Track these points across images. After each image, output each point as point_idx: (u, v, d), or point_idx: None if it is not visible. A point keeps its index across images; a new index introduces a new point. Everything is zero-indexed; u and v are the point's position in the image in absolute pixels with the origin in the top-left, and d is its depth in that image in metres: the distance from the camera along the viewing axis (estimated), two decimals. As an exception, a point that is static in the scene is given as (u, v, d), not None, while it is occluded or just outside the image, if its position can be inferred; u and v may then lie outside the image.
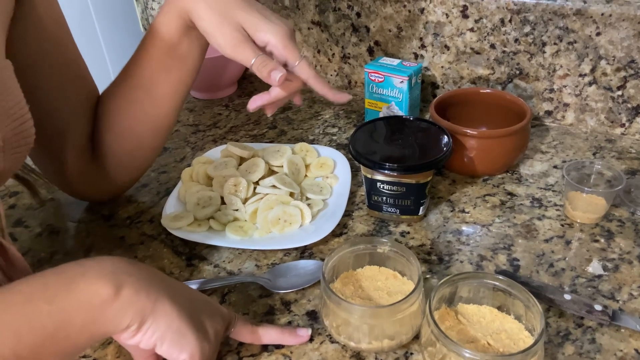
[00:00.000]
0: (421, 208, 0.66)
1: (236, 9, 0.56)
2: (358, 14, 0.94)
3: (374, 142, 0.67)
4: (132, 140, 0.65)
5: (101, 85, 0.68)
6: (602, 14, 0.76)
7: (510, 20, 0.82)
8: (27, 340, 0.35)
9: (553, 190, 0.72)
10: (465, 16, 0.85)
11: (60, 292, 0.37)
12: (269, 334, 0.51)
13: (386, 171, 0.63)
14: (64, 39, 0.60)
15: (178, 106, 0.65)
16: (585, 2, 0.76)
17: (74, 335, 0.37)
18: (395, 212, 0.67)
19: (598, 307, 0.53)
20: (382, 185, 0.65)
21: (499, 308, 0.52)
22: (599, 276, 0.59)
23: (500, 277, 0.50)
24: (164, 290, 0.42)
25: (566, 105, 0.85)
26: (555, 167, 0.77)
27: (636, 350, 0.51)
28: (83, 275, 0.38)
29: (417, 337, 0.51)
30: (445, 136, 0.67)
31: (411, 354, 0.51)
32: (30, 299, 0.36)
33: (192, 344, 0.42)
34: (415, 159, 0.64)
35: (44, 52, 0.57)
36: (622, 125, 0.82)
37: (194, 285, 0.59)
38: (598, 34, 0.77)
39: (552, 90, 0.85)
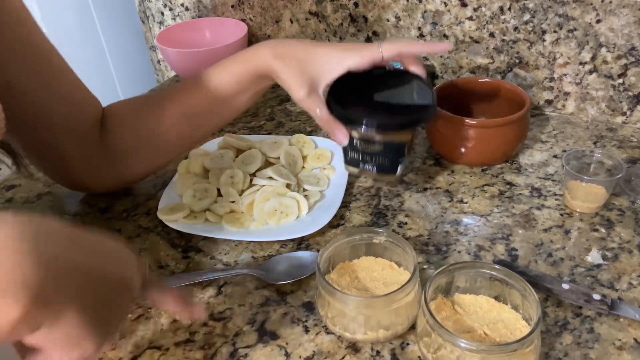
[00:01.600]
0: (399, 167, 0.63)
1: (312, 64, 0.62)
2: (356, 4, 0.93)
3: (354, 96, 0.63)
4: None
5: (101, 74, 0.69)
6: (602, 1, 0.75)
7: (509, 8, 0.81)
8: None
9: (553, 180, 0.71)
10: (464, 4, 0.84)
11: None
12: (167, 302, 0.44)
13: (361, 128, 0.60)
14: (30, 36, 0.59)
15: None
16: (585, -11, 0.75)
17: None
18: (372, 170, 0.63)
19: (596, 297, 0.53)
20: (357, 142, 0.62)
21: (496, 298, 0.51)
22: (598, 265, 0.58)
23: (497, 267, 0.50)
24: (72, 291, 0.34)
25: (567, 94, 0.84)
26: (555, 156, 0.76)
27: (635, 339, 0.50)
28: None
29: (413, 327, 0.51)
30: (431, 94, 0.63)
31: (407, 344, 0.51)
32: None
33: (87, 348, 0.36)
34: (394, 116, 0.60)
35: (10, 50, 0.56)
36: (624, 113, 0.81)
37: (188, 279, 0.59)
38: (598, 21, 0.76)
39: (552, 79, 0.84)
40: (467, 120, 0.70)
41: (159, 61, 1.28)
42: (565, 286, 0.54)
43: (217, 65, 0.66)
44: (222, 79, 0.65)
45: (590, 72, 0.80)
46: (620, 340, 0.50)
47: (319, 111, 0.62)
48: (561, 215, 0.65)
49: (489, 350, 0.43)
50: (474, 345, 0.43)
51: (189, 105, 0.66)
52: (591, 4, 0.75)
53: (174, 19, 1.16)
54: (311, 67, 0.61)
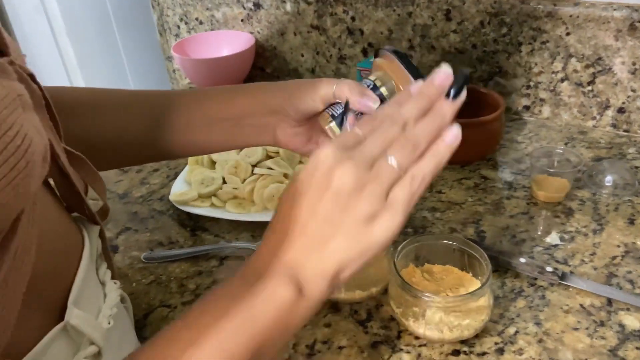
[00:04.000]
0: None
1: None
2: (353, 18, 1.02)
3: None
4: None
5: (119, 82, 0.76)
6: (571, 16, 0.83)
7: (489, 22, 0.90)
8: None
9: (524, 175, 0.79)
10: (448, 19, 0.93)
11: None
12: None
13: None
14: None
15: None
16: (555, 5, 0.84)
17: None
18: None
19: (549, 269, 0.60)
20: None
21: (461, 268, 0.59)
22: (556, 245, 0.66)
23: (455, 236, 0.58)
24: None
25: (542, 100, 0.92)
26: (527, 155, 0.84)
27: (581, 304, 0.58)
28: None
29: (386, 292, 0.59)
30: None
31: (381, 305, 0.59)
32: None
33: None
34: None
35: None
36: (594, 118, 0.89)
37: (195, 251, 0.67)
38: (568, 33, 0.85)
39: (529, 87, 0.92)
40: (447, 120, 0.78)
41: (174, 70, 1.39)
42: (523, 260, 0.62)
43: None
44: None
45: (562, 80, 0.89)
46: (567, 305, 0.58)
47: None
48: (527, 204, 0.73)
49: (445, 300, 0.51)
50: (433, 298, 0.51)
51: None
52: (561, 18, 0.84)
53: (189, 32, 1.26)
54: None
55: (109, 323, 0.42)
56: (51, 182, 0.43)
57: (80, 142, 0.50)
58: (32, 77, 0.39)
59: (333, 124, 0.53)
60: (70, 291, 0.39)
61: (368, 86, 0.53)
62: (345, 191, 0.35)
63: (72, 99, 0.56)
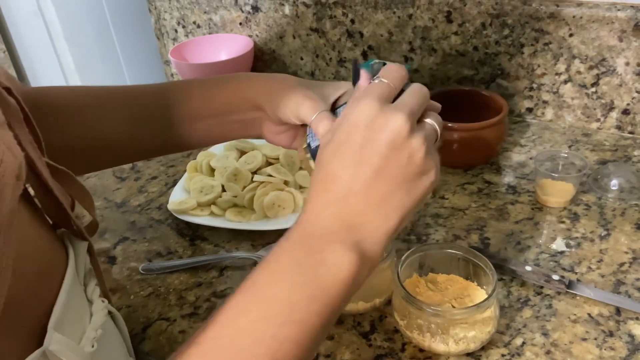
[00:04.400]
0: None
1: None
2: (352, 21, 1.01)
3: None
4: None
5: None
6: (574, 17, 0.82)
7: (490, 24, 0.88)
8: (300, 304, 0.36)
9: (528, 179, 0.78)
10: (449, 21, 0.91)
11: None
12: None
13: None
14: None
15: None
16: (558, 6, 0.83)
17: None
18: None
19: (556, 277, 0.59)
20: None
21: (466, 277, 0.58)
22: (562, 252, 0.65)
23: (459, 245, 0.57)
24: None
25: (545, 102, 0.91)
26: (531, 158, 0.83)
27: (589, 314, 0.56)
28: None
29: (389, 303, 0.57)
30: None
31: (385, 317, 0.57)
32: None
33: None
34: None
35: None
36: (598, 120, 0.88)
37: (194, 261, 0.66)
38: (571, 35, 0.83)
39: (531, 89, 0.91)
40: (449, 124, 0.77)
41: (172, 74, 1.37)
42: (528, 268, 0.60)
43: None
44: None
45: (566, 82, 0.87)
46: (575, 315, 0.57)
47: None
48: (532, 209, 0.72)
49: (450, 313, 0.50)
50: (438, 310, 0.50)
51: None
52: (564, 19, 0.83)
53: (187, 36, 1.25)
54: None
55: (93, 346, 0.39)
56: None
57: (64, 146, 0.52)
58: (8, 90, 0.37)
59: (309, 155, 0.52)
60: (51, 314, 0.37)
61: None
62: (401, 144, 0.37)
63: (53, 100, 0.55)
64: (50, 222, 0.43)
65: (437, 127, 0.41)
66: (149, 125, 0.57)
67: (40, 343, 0.35)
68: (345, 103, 0.50)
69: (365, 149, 0.38)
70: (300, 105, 0.50)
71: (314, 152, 0.51)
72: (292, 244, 0.38)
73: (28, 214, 0.38)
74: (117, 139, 0.57)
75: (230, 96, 0.56)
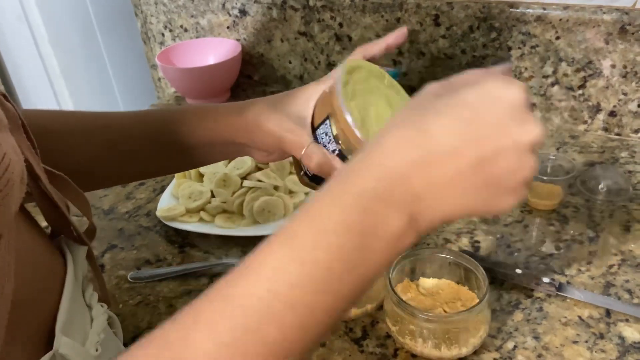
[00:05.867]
0: None
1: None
2: (340, 24, 1.01)
3: None
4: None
5: (105, 94, 0.75)
6: (560, 20, 0.83)
7: (478, 27, 0.89)
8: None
9: (517, 182, 0.78)
10: (437, 24, 0.92)
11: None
12: None
13: None
14: None
15: None
16: (544, 9, 0.83)
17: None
18: None
19: (546, 280, 0.59)
20: None
21: (457, 282, 0.58)
22: (551, 254, 0.65)
23: (450, 249, 0.57)
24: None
25: (533, 105, 0.91)
26: (520, 161, 0.83)
27: (579, 316, 0.57)
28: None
29: (381, 308, 0.57)
30: None
31: (377, 322, 0.57)
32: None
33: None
34: None
35: None
36: (585, 122, 0.89)
37: (184, 269, 0.65)
38: (557, 37, 0.84)
39: (519, 91, 0.91)
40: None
41: (159, 79, 1.36)
42: (519, 271, 0.60)
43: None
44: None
45: (553, 84, 0.88)
46: (566, 317, 0.57)
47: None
48: (522, 212, 0.72)
49: (440, 317, 0.50)
50: (430, 316, 0.50)
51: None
52: (550, 22, 0.83)
53: (174, 40, 1.24)
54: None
55: (97, 350, 0.40)
56: (28, 206, 0.41)
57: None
58: (5, 97, 0.38)
59: (310, 181, 0.52)
60: (55, 318, 0.38)
61: (326, 143, 0.49)
62: (521, 154, 0.33)
63: (40, 125, 0.52)
64: (50, 227, 0.43)
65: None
66: (135, 158, 0.56)
67: (47, 347, 0.36)
68: (325, 122, 0.49)
69: (489, 133, 0.32)
70: (283, 141, 0.50)
71: (313, 179, 0.51)
72: (344, 196, 0.33)
73: (24, 222, 0.38)
74: (106, 168, 0.56)
75: (215, 127, 0.55)
